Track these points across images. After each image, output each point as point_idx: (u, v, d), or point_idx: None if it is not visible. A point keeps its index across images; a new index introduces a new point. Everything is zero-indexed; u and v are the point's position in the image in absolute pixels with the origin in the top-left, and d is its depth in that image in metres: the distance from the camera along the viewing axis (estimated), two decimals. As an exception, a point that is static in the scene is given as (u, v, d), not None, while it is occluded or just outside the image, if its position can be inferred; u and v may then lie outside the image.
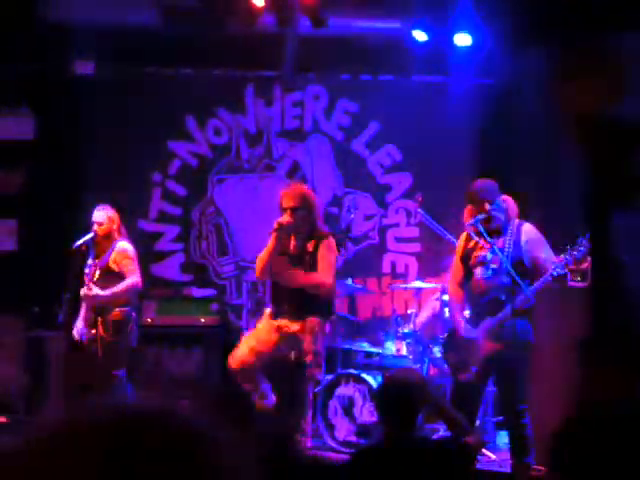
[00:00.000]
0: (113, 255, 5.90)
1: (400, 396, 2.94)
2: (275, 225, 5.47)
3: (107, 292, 5.81)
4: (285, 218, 5.43)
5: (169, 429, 0.82)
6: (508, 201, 4.92)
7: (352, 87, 8.12)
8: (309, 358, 5.45)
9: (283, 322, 5.52)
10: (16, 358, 7.03)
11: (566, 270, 4.57)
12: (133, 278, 5.90)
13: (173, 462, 0.79)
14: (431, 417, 4.61)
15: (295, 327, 5.46)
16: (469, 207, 4.95)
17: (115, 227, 6.01)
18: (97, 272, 5.82)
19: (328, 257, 5.50)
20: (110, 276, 5.86)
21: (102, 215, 5.99)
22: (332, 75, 8.13)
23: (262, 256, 5.58)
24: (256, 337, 5.60)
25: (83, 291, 5.79)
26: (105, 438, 0.79)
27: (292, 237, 5.53)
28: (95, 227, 5.94)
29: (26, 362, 7.04)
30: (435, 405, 3.29)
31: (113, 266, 5.89)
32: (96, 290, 5.77)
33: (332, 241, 5.59)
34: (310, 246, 5.49)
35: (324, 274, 5.45)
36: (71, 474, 0.77)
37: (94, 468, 0.77)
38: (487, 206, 4.85)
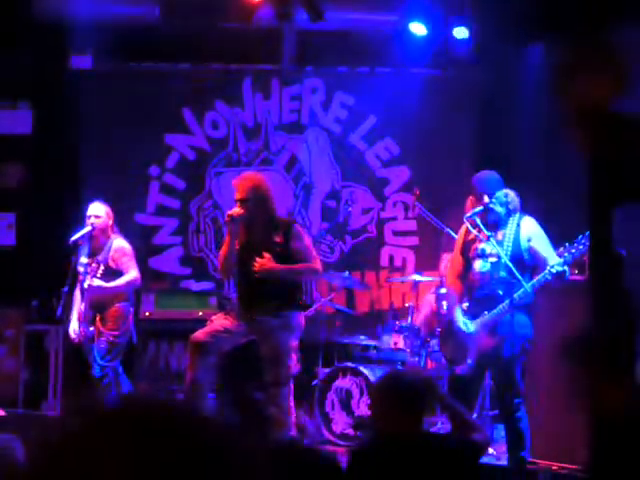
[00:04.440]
0: (111, 253, 5.89)
1: (409, 392, 2.94)
2: (226, 217, 5.38)
3: (110, 285, 5.79)
4: (235, 210, 5.32)
5: (191, 419, 0.85)
6: (510, 194, 4.92)
7: (349, 80, 8.11)
8: (287, 356, 5.27)
9: (257, 315, 5.30)
10: (16, 351, 7.05)
11: (564, 268, 4.57)
12: (133, 274, 5.89)
13: (197, 451, 0.81)
14: (431, 411, 4.62)
15: (273, 323, 5.27)
16: (471, 198, 4.95)
17: (110, 223, 5.98)
18: (101, 268, 5.79)
19: (306, 245, 5.40)
20: (108, 274, 5.85)
21: (100, 208, 5.96)
22: (329, 68, 8.12)
23: (221, 254, 5.48)
24: (221, 324, 5.38)
25: (87, 283, 5.72)
26: (137, 426, 0.82)
27: (252, 229, 5.37)
28: (92, 220, 5.89)
29: (25, 355, 7.06)
30: (442, 402, 3.30)
31: (112, 264, 5.88)
32: (99, 282, 5.75)
33: (298, 226, 5.51)
34: (278, 238, 5.33)
35: (315, 261, 5.39)
36: (105, 459, 0.79)
37: (125, 455, 0.79)
38: (486, 198, 4.87)
